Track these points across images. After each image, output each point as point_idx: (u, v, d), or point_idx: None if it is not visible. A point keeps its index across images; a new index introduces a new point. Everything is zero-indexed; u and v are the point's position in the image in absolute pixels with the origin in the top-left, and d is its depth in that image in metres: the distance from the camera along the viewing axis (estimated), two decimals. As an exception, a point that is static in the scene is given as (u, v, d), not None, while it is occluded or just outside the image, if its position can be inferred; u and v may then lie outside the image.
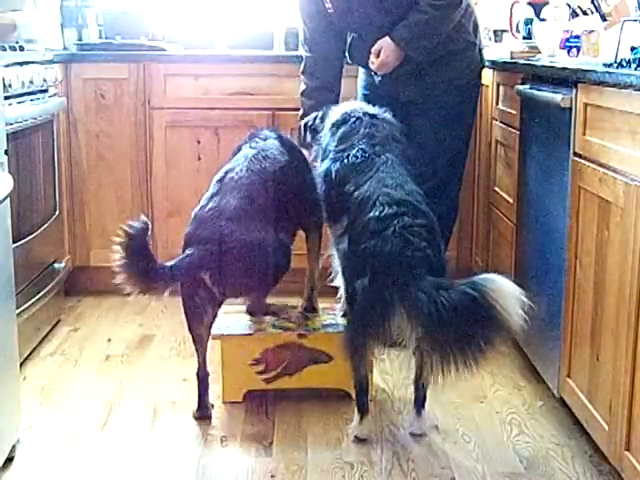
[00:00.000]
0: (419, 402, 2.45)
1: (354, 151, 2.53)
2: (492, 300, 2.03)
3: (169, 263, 2.33)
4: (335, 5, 2.93)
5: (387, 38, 2.87)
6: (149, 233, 2.28)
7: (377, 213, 2.29)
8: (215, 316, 2.48)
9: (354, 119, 2.66)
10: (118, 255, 2.23)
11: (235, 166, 2.55)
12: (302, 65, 3.11)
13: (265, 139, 2.68)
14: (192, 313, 2.44)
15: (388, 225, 2.24)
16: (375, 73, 2.99)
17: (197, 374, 2.51)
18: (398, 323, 2.15)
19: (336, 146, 2.62)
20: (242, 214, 2.40)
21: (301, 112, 3.11)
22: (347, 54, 3.12)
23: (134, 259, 2.24)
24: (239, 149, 2.68)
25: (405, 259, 2.17)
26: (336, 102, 3.04)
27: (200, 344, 2.50)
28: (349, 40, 3.09)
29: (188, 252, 2.36)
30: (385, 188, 2.38)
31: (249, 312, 2.75)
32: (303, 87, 3.11)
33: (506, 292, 2.04)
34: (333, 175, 2.55)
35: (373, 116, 2.68)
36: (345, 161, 2.53)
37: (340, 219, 2.46)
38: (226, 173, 2.54)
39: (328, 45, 3.05)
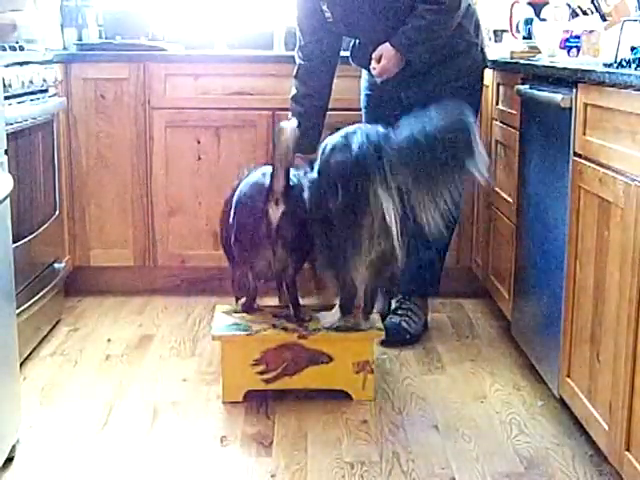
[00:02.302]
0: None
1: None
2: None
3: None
4: (334, 13, 2.94)
5: (387, 44, 2.87)
6: None
7: (341, 135, 2.56)
8: None
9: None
10: None
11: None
12: (295, 70, 3.11)
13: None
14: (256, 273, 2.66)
15: (351, 140, 2.49)
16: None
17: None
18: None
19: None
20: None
21: (289, 116, 3.11)
22: (349, 56, 3.13)
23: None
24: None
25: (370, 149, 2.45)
26: (324, 109, 3.09)
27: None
28: (351, 43, 3.11)
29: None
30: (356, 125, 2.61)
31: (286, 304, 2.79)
32: (294, 92, 3.12)
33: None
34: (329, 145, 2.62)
35: None
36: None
37: None
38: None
39: (323, 55, 3.06)
